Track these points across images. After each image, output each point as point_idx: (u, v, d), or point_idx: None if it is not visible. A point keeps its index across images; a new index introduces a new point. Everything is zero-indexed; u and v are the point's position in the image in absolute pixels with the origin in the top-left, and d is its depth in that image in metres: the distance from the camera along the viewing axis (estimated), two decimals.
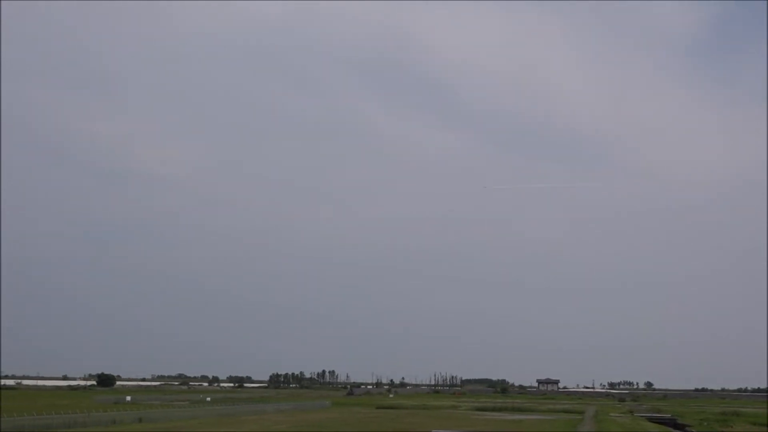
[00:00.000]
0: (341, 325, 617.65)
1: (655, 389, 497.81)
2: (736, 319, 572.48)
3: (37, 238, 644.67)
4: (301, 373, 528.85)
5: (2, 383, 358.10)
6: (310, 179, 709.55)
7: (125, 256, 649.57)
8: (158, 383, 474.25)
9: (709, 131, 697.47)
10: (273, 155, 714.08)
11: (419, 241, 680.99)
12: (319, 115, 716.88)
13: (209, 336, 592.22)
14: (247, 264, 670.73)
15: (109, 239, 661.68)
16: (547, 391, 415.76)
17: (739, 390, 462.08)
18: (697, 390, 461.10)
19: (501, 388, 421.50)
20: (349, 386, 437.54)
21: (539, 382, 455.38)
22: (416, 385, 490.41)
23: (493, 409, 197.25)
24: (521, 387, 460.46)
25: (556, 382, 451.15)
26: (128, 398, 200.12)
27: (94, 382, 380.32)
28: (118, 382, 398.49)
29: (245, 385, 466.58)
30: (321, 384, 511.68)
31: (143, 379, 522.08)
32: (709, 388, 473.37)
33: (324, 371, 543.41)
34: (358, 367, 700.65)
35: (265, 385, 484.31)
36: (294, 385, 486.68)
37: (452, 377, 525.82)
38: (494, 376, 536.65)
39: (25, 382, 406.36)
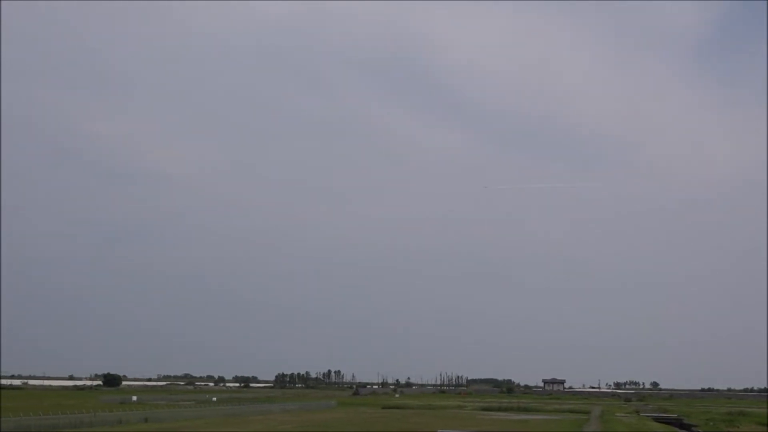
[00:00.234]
0: (347, 325, 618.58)
1: (661, 389, 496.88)
2: (742, 318, 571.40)
3: (42, 238, 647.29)
4: (306, 373, 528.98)
5: (9, 383, 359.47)
6: (315, 179, 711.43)
7: (130, 256, 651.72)
8: (164, 383, 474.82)
9: (711, 131, 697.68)
10: (279, 155, 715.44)
11: (425, 240, 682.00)
12: (325, 115, 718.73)
13: (215, 336, 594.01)
14: (253, 264, 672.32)
15: (115, 239, 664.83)
16: (552, 391, 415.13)
17: (746, 390, 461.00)
18: (703, 390, 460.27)
19: (507, 388, 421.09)
20: (354, 386, 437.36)
21: (545, 382, 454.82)
22: (422, 385, 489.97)
23: (499, 409, 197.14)
24: (527, 387, 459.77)
25: (562, 382, 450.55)
26: (134, 398, 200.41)
27: (100, 382, 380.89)
28: (124, 382, 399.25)
29: (251, 385, 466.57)
30: (327, 384, 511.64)
31: (149, 379, 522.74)
32: (715, 388, 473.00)
33: (330, 371, 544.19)
34: (363, 367, 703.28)
35: (271, 385, 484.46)
36: (300, 385, 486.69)
37: (458, 377, 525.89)
38: (500, 376, 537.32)
39: (32, 382, 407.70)
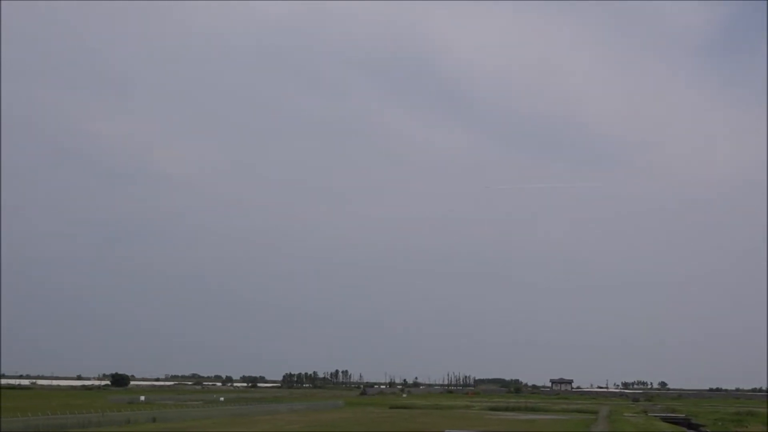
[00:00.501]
0: (354, 325, 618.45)
1: (669, 389, 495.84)
2: (750, 318, 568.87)
3: (45, 239, 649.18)
4: (314, 372, 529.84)
5: (18, 383, 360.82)
6: (316, 179, 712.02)
7: (135, 257, 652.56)
8: (172, 383, 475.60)
9: (713, 131, 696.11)
10: (280, 155, 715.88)
11: (432, 240, 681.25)
12: (325, 115, 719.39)
13: (222, 336, 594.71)
14: (258, 264, 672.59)
15: (119, 239, 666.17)
16: (560, 390, 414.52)
17: (754, 390, 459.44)
18: (711, 390, 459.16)
19: (514, 387, 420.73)
20: (362, 386, 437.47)
21: (553, 381, 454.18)
22: (429, 385, 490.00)
23: (507, 409, 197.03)
24: (534, 387, 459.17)
25: (570, 381, 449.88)
26: (142, 398, 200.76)
27: (108, 382, 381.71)
28: (132, 382, 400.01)
29: (258, 385, 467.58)
30: (334, 384, 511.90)
31: (157, 379, 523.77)
32: (724, 387, 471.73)
33: (337, 371, 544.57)
34: (371, 366, 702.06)
35: (279, 385, 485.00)
36: (307, 385, 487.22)
37: (465, 377, 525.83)
38: (507, 376, 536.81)
39: (40, 382, 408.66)
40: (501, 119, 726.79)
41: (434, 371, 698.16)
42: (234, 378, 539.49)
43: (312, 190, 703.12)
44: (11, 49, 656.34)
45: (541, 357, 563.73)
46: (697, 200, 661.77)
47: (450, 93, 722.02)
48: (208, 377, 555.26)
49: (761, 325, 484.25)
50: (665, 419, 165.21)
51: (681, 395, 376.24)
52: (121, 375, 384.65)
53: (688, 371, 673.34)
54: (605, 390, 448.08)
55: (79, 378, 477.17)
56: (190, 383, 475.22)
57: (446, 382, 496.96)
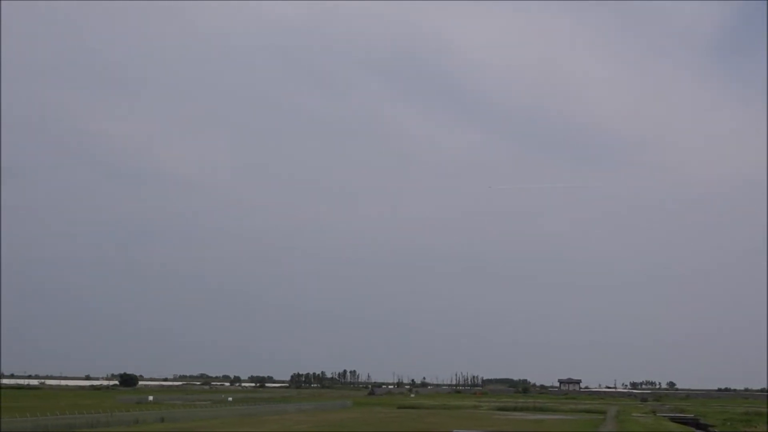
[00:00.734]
0: (362, 325, 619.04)
1: (677, 389, 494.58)
2: (760, 318, 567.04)
3: (55, 239, 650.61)
4: (322, 372, 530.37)
5: (27, 383, 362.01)
6: (326, 179, 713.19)
7: (144, 257, 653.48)
8: (180, 383, 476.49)
9: (718, 130, 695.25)
10: (292, 155, 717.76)
11: (440, 240, 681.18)
12: (336, 115, 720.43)
13: (230, 336, 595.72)
14: (267, 264, 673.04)
15: (129, 240, 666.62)
16: (568, 390, 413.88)
17: (762, 390, 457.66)
18: (720, 390, 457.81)
19: (522, 387, 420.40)
20: (370, 386, 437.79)
21: (561, 381, 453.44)
22: (437, 385, 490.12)
23: (515, 409, 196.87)
24: (542, 387, 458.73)
25: (578, 381, 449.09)
26: (150, 398, 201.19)
27: (117, 382, 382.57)
28: (140, 382, 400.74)
29: (267, 385, 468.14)
30: (342, 384, 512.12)
31: (165, 379, 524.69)
32: (732, 388, 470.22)
33: (345, 371, 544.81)
34: (379, 366, 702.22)
35: (287, 385, 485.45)
36: (315, 385, 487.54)
37: (473, 377, 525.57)
38: (515, 376, 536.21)
39: (49, 382, 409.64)
40: (512, 118, 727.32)
41: (442, 371, 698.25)
42: (242, 378, 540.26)
43: (319, 190, 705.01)
44: (13, 50, 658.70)
45: (549, 357, 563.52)
46: (705, 196, 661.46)
47: (460, 92, 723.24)
48: (216, 377, 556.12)
49: None
50: (674, 419, 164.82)
51: (689, 395, 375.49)
52: (129, 375, 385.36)
53: (697, 371, 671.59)
54: (613, 390, 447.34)
55: (87, 378, 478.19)
56: (198, 383, 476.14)
57: (454, 382, 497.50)
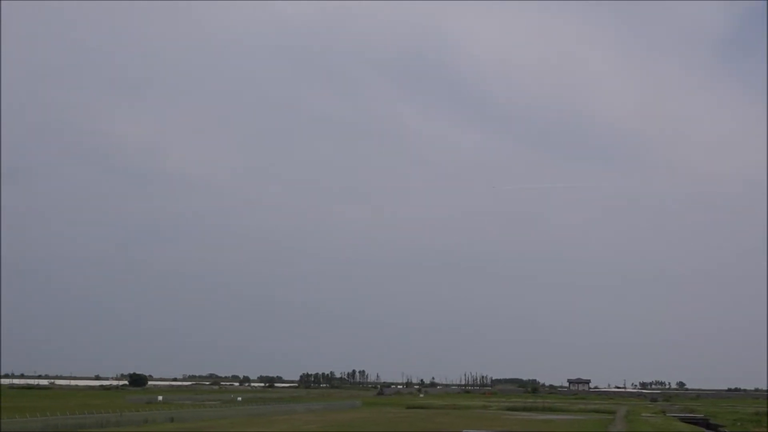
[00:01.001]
0: (371, 325, 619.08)
1: (687, 389, 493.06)
2: None
3: (64, 240, 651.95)
4: (331, 372, 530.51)
5: (37, 383, 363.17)
6: (338, 179, 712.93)
7: (153, 257, 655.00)
8: (189, 383, 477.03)
9: (723, 130, 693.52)
10: (302, 156, 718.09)
11: (449, 239, 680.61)
12: (343, 115, 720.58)
13: (240, 336, 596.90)
14: (277, 265, 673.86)
15: (138, 240, 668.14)
16: (578, 390, 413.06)
17: None
18: (729, 390, 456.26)
19: (531, 387, 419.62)
20: (379, 386, 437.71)
21: (570, 381, 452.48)
22: (446, 385, 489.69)
23: (524, 409, 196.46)
24: (552, 387, 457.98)
25: (587, 381, 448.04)
26: (160, 398, 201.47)
27: (126, 382, 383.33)
28: (149, 382, 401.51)
29: (276, 385, 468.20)
30: (351, 384, 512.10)
31: (174, 379, 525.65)
32: (742, 387, 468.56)
33: (354, 371, 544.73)
34: (388, 367, 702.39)
35: (296, 384, 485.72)
36: (324, 385, 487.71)
37: (482, 377, 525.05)
38: (525, 376, 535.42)
39: (59, 381, 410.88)
40: (523, 118, 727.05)
41: (451, 371, 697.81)
42: (251, 378, 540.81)
43: (328, 190, 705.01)
44: (17, 50, 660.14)
45: (559, 357, 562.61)
46: (720, 195, 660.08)
47: (471, 92, 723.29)
48: (225, 377, 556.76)
49: None
50: (683, 419, 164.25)
51: (699, 395, 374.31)
52: (138, 375, 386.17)
53: (707, 371, 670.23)
54: (623, 390, 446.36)
55: (97, 378, 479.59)
56: (207, 383, 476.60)
57: (463, 382, 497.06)
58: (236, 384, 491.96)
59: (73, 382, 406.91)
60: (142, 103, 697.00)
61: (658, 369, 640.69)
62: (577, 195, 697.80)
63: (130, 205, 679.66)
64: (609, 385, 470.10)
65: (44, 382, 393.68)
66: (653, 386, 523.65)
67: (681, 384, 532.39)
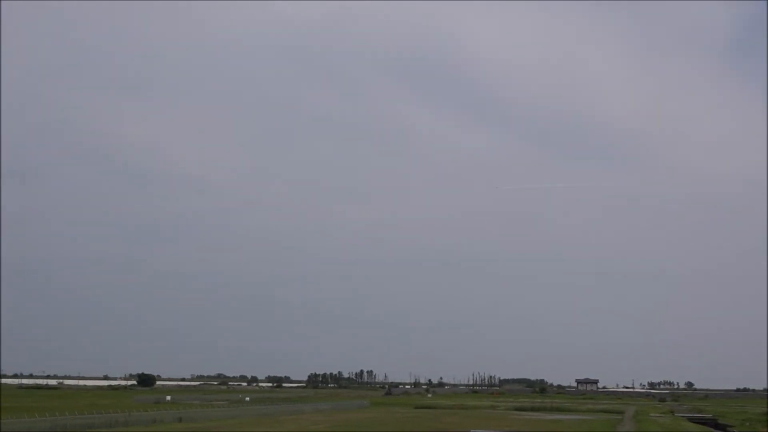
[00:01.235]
0: (379, 325, 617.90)
1: (695, 389, 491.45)
2: None
3: (70, 240, 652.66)
4: (339, 372, 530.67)
5: (45, 383, 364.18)
6: (338, 179, 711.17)
7: (160, 258, 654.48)
8: (198, 383, 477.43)
9: (723, 130, 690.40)
10: (302, 156, 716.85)
11: (456, 239, 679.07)
12: (344, 115, 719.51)
13: (248, 336, 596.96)
14: (284, 264, 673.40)
15: (145, 240, 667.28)
16: (586, 390, 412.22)
17: None
18: (738, 390, 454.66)
19: (539, 387, 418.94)
20: (387, 386, 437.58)
21: (578, 381, 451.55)
22: (454, 385, 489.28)
23: (532, 409, 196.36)
24: (560, 387, 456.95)
25: (596, 381, 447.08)
26: (168, 398, 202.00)
27: (135, 382, 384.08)
28: (158, 382, 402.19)
29: (284, 385, 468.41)
30: (359, 384, 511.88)
31: (183, 379, 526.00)
32: (751, 388, 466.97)
33: (362, 371, 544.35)
34: (396, 366, 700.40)
35: (304, 385, 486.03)
36: (332, 385, 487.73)
37: (490, 377, 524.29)
38: (533, 376, 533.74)
39: (67, 382, 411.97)
40: (527, 118, 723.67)
41: (459, 371, 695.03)
42: (259, 378, 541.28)
43: (335, 190, 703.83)
44: (15, 50, 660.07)
45: (567, 357, 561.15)
46: (720, 195, 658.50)
47: (474, 92, 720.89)
48: (233, 377, 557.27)
49: None
50: (692, 419, 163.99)
51: (708, 395, 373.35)
52: (147, 375, 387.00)
53: (715, 371, 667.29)
54: (631, 390, 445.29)
55: (105, 378, 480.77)
56: (215, 383, 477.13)
57: (471, 382, 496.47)
58: (244, 384, 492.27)
59: (81, 382, 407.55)
60: (143, 103, 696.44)
61: (666, 369, 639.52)
62: (577, 195, 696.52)
63: (130, 205, 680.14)
64: (617, 385, 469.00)
65: (53, 382, 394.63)
66: (662, 386, 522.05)
67: (689, 384, 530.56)
